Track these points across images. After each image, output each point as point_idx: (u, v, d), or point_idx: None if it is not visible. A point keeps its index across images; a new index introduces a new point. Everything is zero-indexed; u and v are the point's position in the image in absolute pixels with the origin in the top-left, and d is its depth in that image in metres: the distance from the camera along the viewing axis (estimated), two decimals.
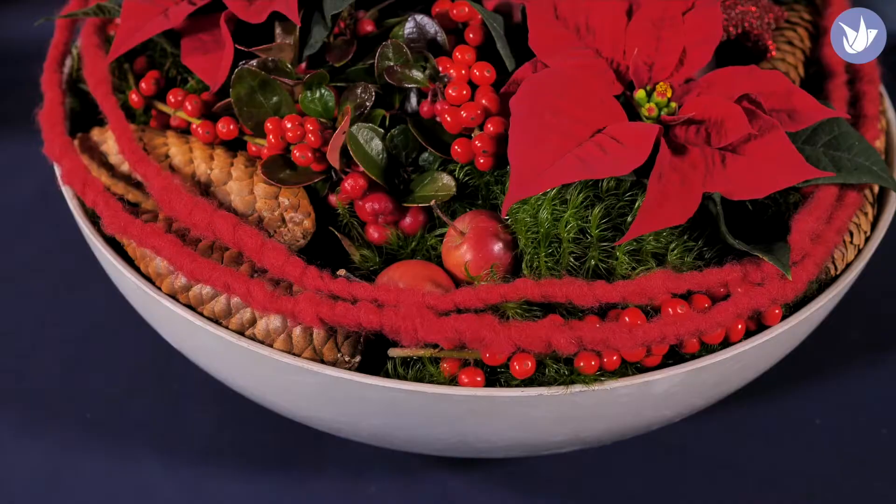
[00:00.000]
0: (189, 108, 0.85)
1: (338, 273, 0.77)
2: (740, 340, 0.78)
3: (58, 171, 0.85)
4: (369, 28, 0.85)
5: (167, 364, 0.93)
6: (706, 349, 0.77)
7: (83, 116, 0.91)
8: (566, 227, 0.77)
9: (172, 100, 0.86)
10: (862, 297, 0.99)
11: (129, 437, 0.91)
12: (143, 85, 0.88)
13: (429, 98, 0.81)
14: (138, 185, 0.85)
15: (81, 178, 0.82)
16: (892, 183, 0.82)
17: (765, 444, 0.92)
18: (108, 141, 0.86)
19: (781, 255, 0.77)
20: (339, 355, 0.76)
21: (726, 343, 0.78)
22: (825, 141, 0.82)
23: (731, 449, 0.92)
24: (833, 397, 0.96)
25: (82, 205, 0.84)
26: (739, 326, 0.78)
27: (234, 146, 0.85)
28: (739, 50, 0.91)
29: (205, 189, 0.82)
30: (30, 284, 1.03)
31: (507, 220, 0.78)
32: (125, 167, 0.85)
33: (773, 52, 0.90)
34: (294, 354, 0.76)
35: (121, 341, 0.98)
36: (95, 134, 0.87)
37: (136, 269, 0.81)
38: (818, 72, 0.94)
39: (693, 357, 0.77)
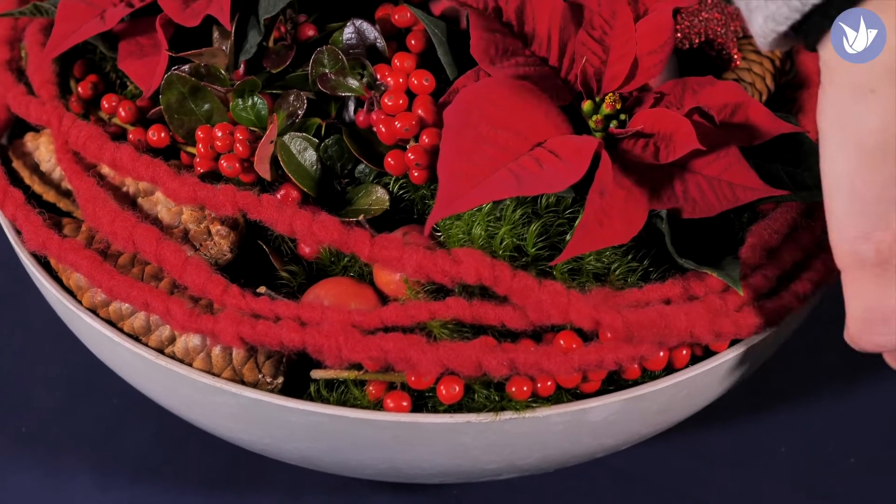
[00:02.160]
0: (123, 114, 0.82)
1: (258, 291, 0.73)
2: (686, 366, 0.74)
3: None
4: (310, 33, 0.82)
5: (107, 377, 0.90)
6: (648, 375, 0.74)
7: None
8: (501, 244, 0.73)
9: (107, 105, 0.83)
10: (838, 322, 0.95)
11: (63, 452, 0.88)
12: (80, 89, 0.85)
13: (365, 107, 0.77)
14: (70, 194, 0.82)
15: (2, 189, 0.79)
16: None
17: (727, 473, 0.88)
18: (40, 147, 0.83)
19: (730, 270, 0.73)
20: (260, 376, 0.73)
21: (670, 369, 0.74)
22: (786, 157, 0.78)
23: (691, 477, 0.88)
24: (801, 425, 0.91)
25: None
26: (684, 352, 0.74)
27: (169, 154, 0.81)
28: (703, 59, 0.87)
29: (133, 200, 0.79)
30: None
31: (440, 236, 0.75)
32: (57, 174, 0.82)
33: (738, 62, 0.86)
34: (214, 374, 0.73)
35: (62, 353, 0.95)
36: (28, 140, 0.84)
37: (60, 282, 0.78)
38: (791, 82, 0.90)
39: (634, 384, 0.73)
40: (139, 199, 0.79)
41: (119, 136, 0.83)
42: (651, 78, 0.78)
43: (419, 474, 0.77)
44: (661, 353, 0.72)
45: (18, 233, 0.79)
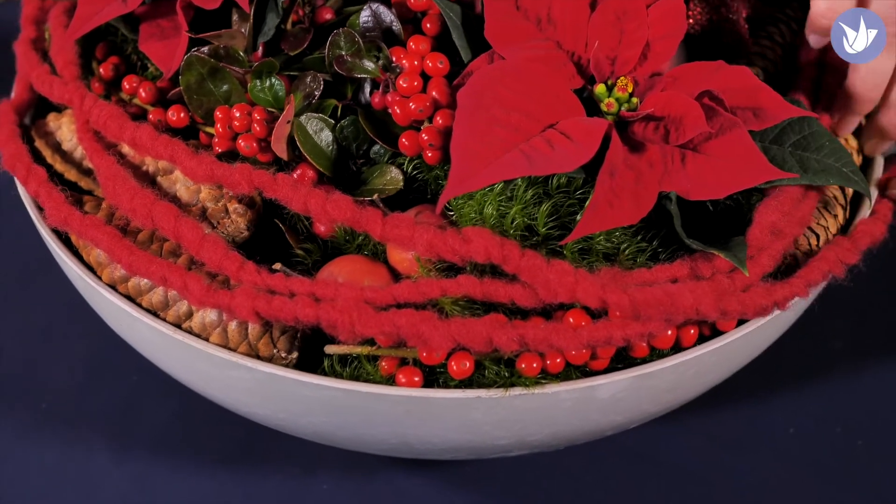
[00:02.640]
0: (143, 94, 0.83)
1: (274, 267, 0.75)
2: (694, 345, 0.75)
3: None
4: (328, 16, 0.83)
5: (126, 353, 0.92)
6: (656, 354, 0.75)
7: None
8: (512, 223, 0.74)
9: (127, 86, 0.84)
10: (847, 304, 0.96)
11: (82, 427, 0.90)
12: (101, 70, 0.86)
13: (380, 89, 0.78)
14: (91, 173, 0.83)
15: (25, 167, 0.81)
16: (862, 185, 0.79)
17: (735, 453, 0.90)
18: (62, 127, 0.85)
19: (738, 251, 0.74)
20: (275, 351, 0.74)
21: (678, 348, 0.75)
22: (793, 141, 0.79)
23: (699, 456, 0.89)
24: (810, 406, 0.92)
25: None
26: (692, 331, 0.75)
27: (188, 134, 0.83)
28: (715, 44, 0.88)
29: (152, 179, 0.80)
30: None
31: (452, 215, 0.76)
32: (79, 153, 0.84)
33: (751, 47, 0.87)
34: (229, 349, 0.74)
35: (81, 330, 0.96)
36: (51, 120, 0.86)
37: (80, 258, 0.79)
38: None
39: (643, 362, 0.75)
40: (158, 178, 0.80)
41: (139, 116, 0.84)
42: (663, 62, 0.79)
43: (430, 450, 0.78)
44: (669, 332, 0.73)
45: (40, 210, 0.81)
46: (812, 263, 0.77)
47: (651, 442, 0.90)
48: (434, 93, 0.77)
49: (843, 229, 0.82)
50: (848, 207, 0.83)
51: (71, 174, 0.83)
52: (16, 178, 0.82)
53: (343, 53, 0.78)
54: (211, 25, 0.83)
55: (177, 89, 0.82)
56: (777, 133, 0.80)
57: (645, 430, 0.89)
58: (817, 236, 0.79)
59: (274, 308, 0.72)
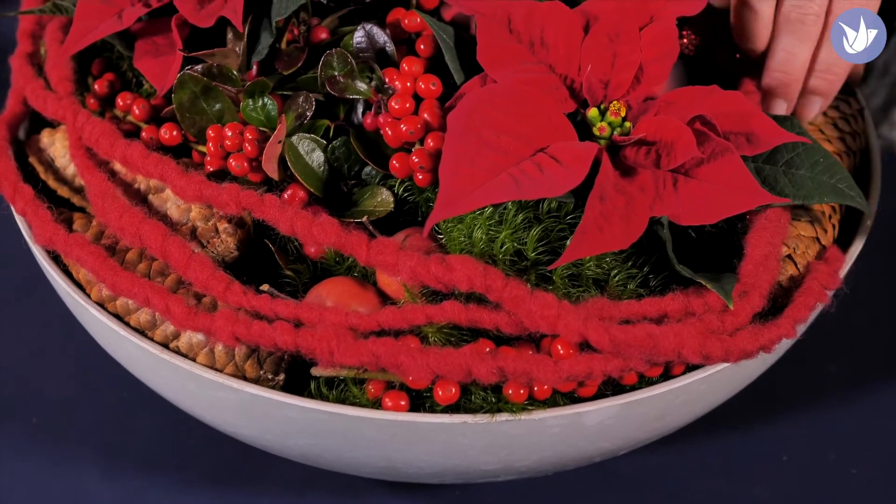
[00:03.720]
0: (137, 112, 0.83)
1: (261, 288, 0.75)
2: (683, 374, 0.75)
3: None
4: (323, 36, 0.83)
5: (118, 371, 0.91)
6: (646, 381, 0.74)
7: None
8: (501, 247, 0.74)
9: (121, 103, 0.84)
10: (844, 327, 0.96)
11: (72, 443, 0.90)
12: (96, 87, 0.86)
13: (372, 110, 0.78)
14: (83, 190, 0.83)
15: (12, 185, 0.81)
16: (858, 201, 0.78)
17: (728, 480, 0.89)
18: (56, 143, 0.85)
19: (726, 284, 0.74)
20: (261, 372, 0.74)
21: (668, 375, 0.75)
22: (786, 159, 0.79)
23: (691, 483, 0.89)
24: (804, 433, 0.92)
25: None
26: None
27: (181, 153, 0.83)
28: (712, 65, 0.88)
29: (143, 197, 0.80)
30: None
31: (442, 238, 0.76)
32: (71, 170, 0.84)
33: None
34: (216, 370, 0.74)
35: (74, 346, 0.96)
36: (44, 136, 0.86)
37: (70, 276, 0.79)
38: None
39: (632, 388, 0.74)
40: (150, 196, 0.80)
41: (133, 133, 0.84)
42: (656, 85, 0.79)
43: (417, 473, 0.78)
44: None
45: (30, 227, 0.81)
46: (797, 299, 0.76)
47: (643, 468, 0.89)
48: (425, 115, 0.76)
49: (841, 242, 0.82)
50: (836, 226, 0.83)
51: (63, 191, 0.83)
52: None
53: (336, 74, 0.78)
54: (206, 43, 0.83)
55: (170, 107, 0.82)
56: (769, 152, 0.79)
57: (636, 456, 0.88)
58: (794, 262, 0.79)
59: (253, 333, 0.72)
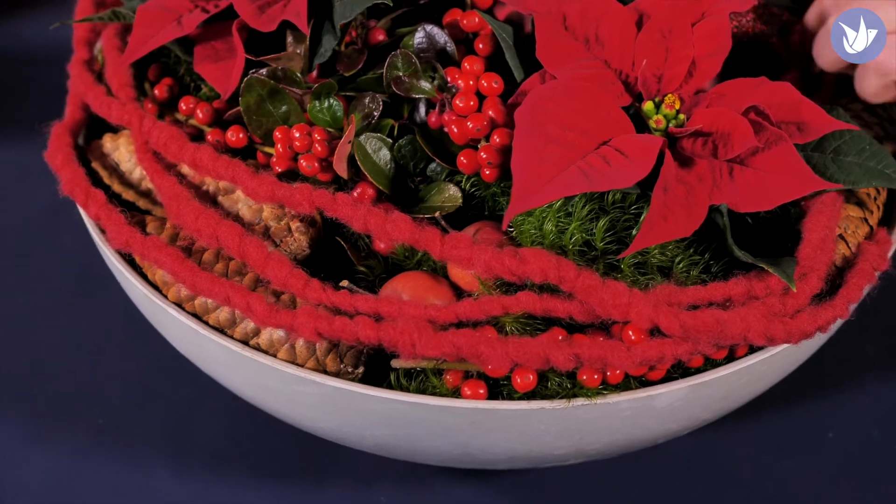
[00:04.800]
0: (200, 115, 0.85)
1: (340, 285, 0.77)
2: (745, 355, 0.77)
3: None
4: (380, 37, 0.85)
5: (181, 370, 0.94)
6: (711, 363, 0.77)
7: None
8: (571, 239, 0.76)
9: (184, 107, 0.86)
10: (881, 310, 0.98)
11: (139, 443, 0.92)
12: (156, 92, 0.88)
13: (437, 108, 0.80)
14: (149, 193, 0.85)
15: (84, 190, 0.82)
16: None
17: (775, 458, 0.92)
18: (119, 148, 0.87)
19: (787, 267, 0.76)
20: (342, 366, 0.76)
21: (731, 357, 0.77)
22: (834, 147, 0.82)
23: (740, 462, 0.92)
24: (847, 411, 0.95)
25: None
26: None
27: (245, 154, 0.85)
28: (752, 57, 0.91)
29: (213, 198, 0.82)
30: (46, 290, 1.04)
31: (512, 231, 0.78)
32: (136, 174, 0.86)
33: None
34: (297, 365, 0.76)
35: (136, 347, 0.98)
36: (107, 141, 0.88)
37: (145, 277, 0.81)
38: None
39: (697, 371, 0.77)
40: (219, 198, 0.82)
41: (195, 137, 0.86)
42: (708, 79, 0.82)
43: (491, 460, 0.81)
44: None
45: (103, 231, 0.83)
46: (850, 280, 0.79)
47: (694, 448, 0.92)
48: (490, 112, 0.79)
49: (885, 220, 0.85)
50: (882, 207, 0.86)
51: (129, 195, 0.85)
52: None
53: (401, 74, 0.80)
54: (264, 47, 0.86)
55: (233, 110, 0.84)
56: (818, 141, 0.82)
57: (691, 438, 0.91)
58: (846, 242, 0.82)
59: (335, 328, 0.74)
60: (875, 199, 0.85)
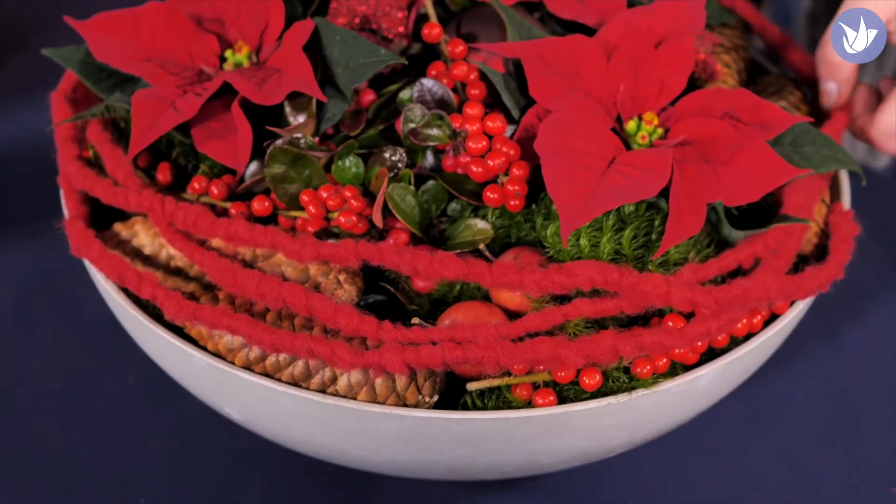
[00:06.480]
0: (216, 192, 0.89)
1: (413, 322, 0.83)
2: (760, 330, 0.88)
3: (95, 271, 0.89)
4: (370, 97, 0.92)
5: (218, 434, 0.97)
6: (734, 342, 0.87)
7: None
8: (604, 250, 0.85)
9: (197, 186, 0.90)
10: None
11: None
12: (159, 176, 0.92)
13: (450, 153, 0.88)
14: (179, 272, 0.89)
15: (135, 274, 0.86)
16: (856, 166, 0.93)
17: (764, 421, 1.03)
18: (138, 234, 0.90)
19: (788, 218, 0.87)
20: (420, 397, 0.82)
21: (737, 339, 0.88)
22: (790, 140, 0.93)
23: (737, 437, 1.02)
24: (810, 376, 1.06)
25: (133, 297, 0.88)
26: (755, 320, 0.87)
27: (263, 222, 0.89)
28: None
29: (250, 265, 0.87)
30: (117, 390, 1.06)
31: (549, 252, 0.86)
32: (163, 255, 0.89)
33: (720, 75, 1.00)
34: (378, 403, 0.82)
35: (168, 415, 1.02)
36: (122, 230, 0.91)
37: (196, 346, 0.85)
38: None
39: (722, 352, 0.86)
40: (259, 263, 0.87)
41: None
42: (674, 95, 0.92)
43: (552, 463, 0.88)
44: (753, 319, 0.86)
45: (153, 317, 0.86)
46: (835, 246, 0.91)
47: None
48: (504, 148, 0.86)
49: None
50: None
51: (157, 276, 0.89)
52: (108, 289, 0.87)
53: (415, 126, 0.87)
54: (254, 116, 0.90)
55: (246, 183, 0.89)
56: (775, 137, 0.93)
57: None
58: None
59: (423, 356, 0.80)
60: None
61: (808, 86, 1.05)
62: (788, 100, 1.02)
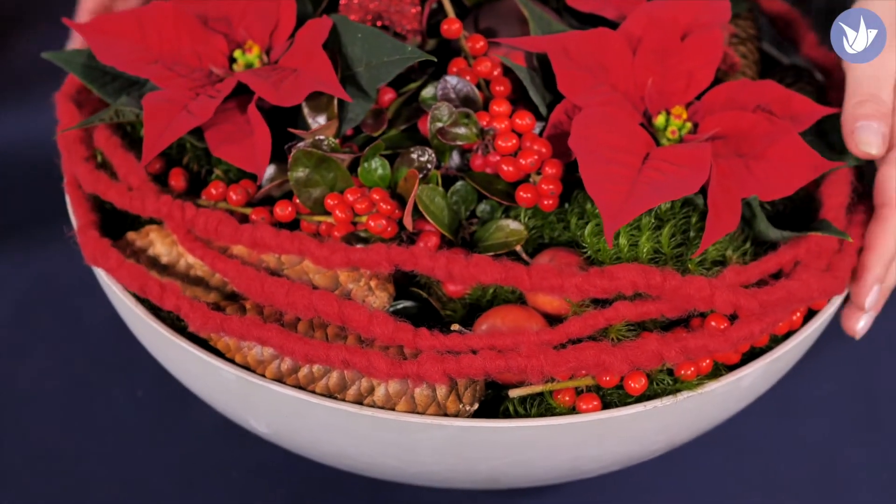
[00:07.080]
0: (235, 197, 0.86)
1: (452, 328, 0.80)
2: (799, 328, 0.86)
3: (110, 282, 0.85)
4: (390, 96, 0.89)
5: (227, 451, 0.94)
6: (773, 339, 0.85)
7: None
8: (644, 250, 0.83)
9: (214, 192, 0.86)
10: None
11: None
12: (172, 182, 0.89)
13: (479, 152, 0.85)
14: (200, 282, 0.86)
15: (157, 285, 0.82)
16: None
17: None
18: (154, 243, 0.87)
19: (830, 229, 0.85)
20: (460, 406, 0.80)
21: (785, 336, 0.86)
22: (813, 130, 0.91)
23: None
24: (834, 370, 1.05)
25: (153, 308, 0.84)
26: (794, 316, 0.85)
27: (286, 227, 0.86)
28: None
29: (276, 273, 0.84)
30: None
31: (587, 252, 0.83)
32: (182, 264, 0.86)
33: (740, 66, 0.98)
34: (418, 413, 0.79)
35: (182, 426, 0.99)
36: (137, 238, 0.87)
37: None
38: None
39: (763, 351, 0.84)
40: (285, 271, 0.84)
41: None
42: (702, 88, 0.89)
43: (592, 468, 0.86)
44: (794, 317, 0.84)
45: (177, 329, 0.83)
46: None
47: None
48: (535, 146, 0.84)
49: None
50: None
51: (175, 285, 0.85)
52: (124, 302, 0.84)
53: (443, 125, 0.84)
54: (267, 118, 0.87)
55: (264, 189, 0.86)
56: None
57: None
58: None
59: (463, 366, 0.78)
60: None
61: (823, 73, 1.03)
62: (806, 90, 1.00)
